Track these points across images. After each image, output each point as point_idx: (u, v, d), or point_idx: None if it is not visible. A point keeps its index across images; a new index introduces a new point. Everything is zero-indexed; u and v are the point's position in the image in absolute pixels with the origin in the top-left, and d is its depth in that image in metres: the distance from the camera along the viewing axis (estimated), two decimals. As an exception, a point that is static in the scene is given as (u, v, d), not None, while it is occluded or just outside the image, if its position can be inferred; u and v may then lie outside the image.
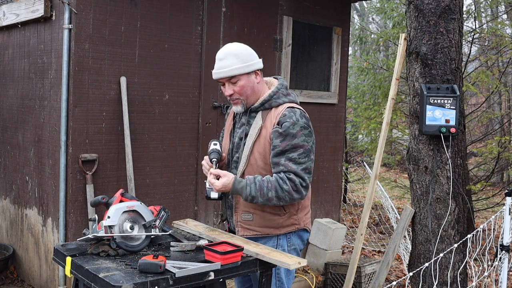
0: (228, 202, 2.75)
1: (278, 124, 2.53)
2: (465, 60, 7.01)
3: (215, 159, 2.62)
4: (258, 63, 2.61)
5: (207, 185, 2.63)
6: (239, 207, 2.66)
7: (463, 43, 5.58)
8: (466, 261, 3.43)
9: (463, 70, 6.17)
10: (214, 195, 2.63)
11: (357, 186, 10.30)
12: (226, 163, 2.79)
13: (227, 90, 2.60)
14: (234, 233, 2.71)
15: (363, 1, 11.66)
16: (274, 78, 2.77)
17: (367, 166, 7.95)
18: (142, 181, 4.13)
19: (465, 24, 7.36)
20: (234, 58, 2.54)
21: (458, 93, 3.34)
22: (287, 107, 2.56)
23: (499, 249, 3.21)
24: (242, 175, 2.61)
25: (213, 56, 4.43)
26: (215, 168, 2.60)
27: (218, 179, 2.52)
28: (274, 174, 2.53)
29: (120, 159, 4.00)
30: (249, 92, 2.59)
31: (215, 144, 2.70)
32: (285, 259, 2.35)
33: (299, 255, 2.73)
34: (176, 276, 2.10)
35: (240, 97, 2.60)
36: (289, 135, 2.49)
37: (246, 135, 2.63)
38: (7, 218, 4.76)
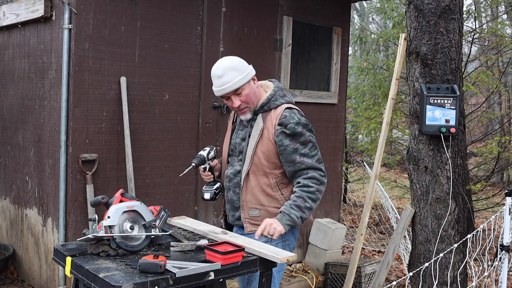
0: (228, 197, 2.88)
1: (280, 125, 2.68)
2: (465, 60, 7.01)
3: (193, 164, 2.82)
4: (252, 70, 2.77)
5: (203, 187, 2.93)
6: (246, 204, 2.79)
7: (463, 43, 5.58)
8: (466, 261, 3.43)
9: (463, 70, 6.17)
10: (207, 196, 2.91)
11: (357, 186, 10.30)
12: (220, 163, 3.00)
13: (235, 102, 2.73)
14: (232, 227, 2.89)
15: (363, 1, 11.66)
16: (269, 81, 2.92)
17: (367, 166, 7.95)
18: (142, 181, 4.13)
19: (465, 24, 7.36)
20: (234, 71, 2.68)
21: (458, 93, 3.34)
22: (285, 108, 2.73)
23: (499, 249, 3.21)
24: (247, 174, 2.75)
25: (213, 56, 4.45)
26: (206, 171, 2.90)
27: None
28: (295, 188, 2.71)
29: (120, 159, 4.00)
30: (254, 98, 2.75)
31: (204, 150, 2.90)
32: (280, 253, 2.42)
33: (292, 251, 2.80)
34: (177, 276, 2.10)
35: (247, 105, 2.75)
36: (297, 134, 2.68)
37: (250, 136, 2.77)
38: (7, 218, 4.76)
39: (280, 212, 2.66)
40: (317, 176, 2.68)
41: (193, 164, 2.82)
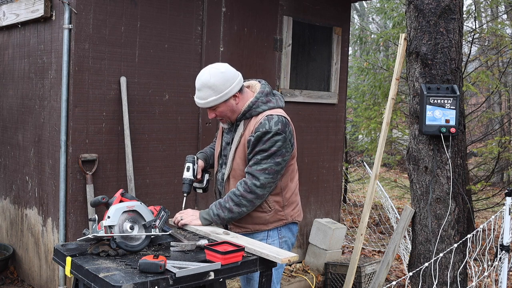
0: (220, 198, 2.89)
1: (254, 132, 2.68)
2: (465, 60, 7.01)
3: (185, 194, 2.87)
4: (235, 88, 2.71)
5: (194, 184, 2.99)
6: None
7: (463, 43, 5.58)
8: (466, 261, 3.43)
9: (463, 70, 6.17)
10: (199, 191, 3.03)
11: (357, 186, 10.30)
12: (205, 160, 3.03)
13: (210, 114, 2.80)
14: (227, 226, 2.90)
15: (363, 1, 11.66)
16: (258, 81, 2.88)
17: (367, 166, 7.96)
18: (142, 181, 4.13)
19: (465, 24, 7.36)
20: (209, 90, 2.68)
21: (458, 93, 3.34)
22: (265, 116, 2.70)
23: (499, 249, 3.21)
24: (228, 178, 2.82)
25: (213, 56, 4.45)
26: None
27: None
28: None
29: (120, 159, 4.00)
30: (229, 114, 2.77)
31: (187, 170, 2.89)
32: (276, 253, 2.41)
33: (290, 248, 2.87)
34: (177, 276, 2.10)
35: (222, 118, 2.80)
36: (260, 142, 2.66)
37: (232, 141, 2.81)
38: (7, 218, 4.76)
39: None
40: (249, 183, 2.65)
41: (185, 194, 2.88)
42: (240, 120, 2.78)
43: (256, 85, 2.85)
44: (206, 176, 3.00)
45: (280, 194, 2.79)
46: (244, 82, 2.89)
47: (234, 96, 2.72)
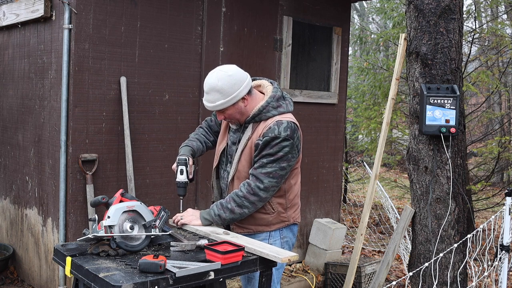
0: (224, 198, 2.88)
1: (262, 136, 2.67)
2: (465, 60, 7.01)
3: (181, 197, 2.86)
4: (243, 91, 2.68)
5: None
6: None
7: (463, 43, 5.58)
8: (466, 261, 3.43)
9: (463, 70, 6.17)
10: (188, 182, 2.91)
11: (357, 186, 10.30)
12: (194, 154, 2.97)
13: (219, 116, 2.79)
14: (229, 226, 2.87)
15: (363, 1, 11.66)
16: (270, 83, 2.85)
17: (367, 166, 7.96)
18: (142, 181, 4.13)
19: (465, 24, 7.36)
20: (217, 93, 2.66)
21: (458, 93, 3.34)
22: (275, 121, 2.69)
23: (499, 249, 3.21)
24: (232, 180, 2.81)
25: (213, 56, 4.45)
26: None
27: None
28: None
29: (120, 159, 4.00)
30: (238, 116, 2.75)
31: (181, 174, 2.83)
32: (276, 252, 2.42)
33: (291, 248, 2.89)
34: (177, 275, 2.10)
35: (231, 120, 2.79)
36: (267, 147, 2.65)
37: (239, 141, 2.80)
38: (7, 218, 4.76)
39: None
40: (252, 185, 2.65)
41: (182, 197, 2.87)
42: (249, 122, 2.76)
43: (268, 87, 2.82)
44: (193, 167, 2.96)
45: (283, 196, 2.80)
46: (253, 81, 2.86)
47: (243, 98, 2.69)
